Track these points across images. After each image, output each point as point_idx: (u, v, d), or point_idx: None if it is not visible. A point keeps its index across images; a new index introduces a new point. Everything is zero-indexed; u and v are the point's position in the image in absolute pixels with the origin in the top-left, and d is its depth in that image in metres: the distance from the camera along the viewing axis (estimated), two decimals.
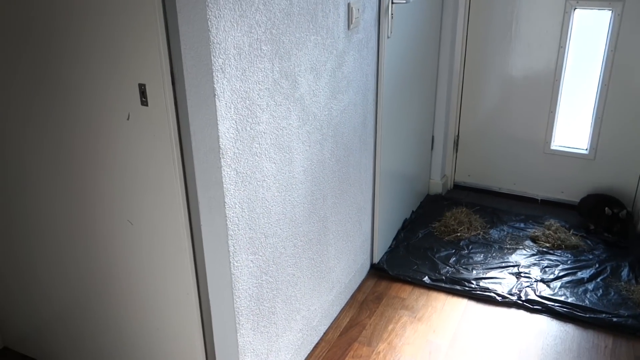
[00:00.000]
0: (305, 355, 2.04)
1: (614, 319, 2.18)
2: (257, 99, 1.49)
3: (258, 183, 1.57)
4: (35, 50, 1.45)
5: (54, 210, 1.67)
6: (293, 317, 1.89)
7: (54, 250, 1.74)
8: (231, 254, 1.50)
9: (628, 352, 2.05)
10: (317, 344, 2.10)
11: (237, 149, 1.45)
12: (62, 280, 1.77)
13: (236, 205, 1.49)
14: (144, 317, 1.67)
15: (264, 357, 1.75)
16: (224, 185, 1.43)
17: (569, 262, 2.55)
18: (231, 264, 1.51)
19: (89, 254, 1.67)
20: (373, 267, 2.56)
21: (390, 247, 2.69)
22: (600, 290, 2.34)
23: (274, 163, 1.62)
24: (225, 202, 1.45)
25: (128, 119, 1.40)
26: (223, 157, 1.41)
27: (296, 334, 1.94)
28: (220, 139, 1.39)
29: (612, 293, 2.33)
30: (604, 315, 2.20)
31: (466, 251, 2.65)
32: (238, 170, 1.47)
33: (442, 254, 2.62)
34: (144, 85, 1.34)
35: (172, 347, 1.67)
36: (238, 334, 1.59)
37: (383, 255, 2.62)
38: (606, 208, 2.69)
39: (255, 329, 1.67)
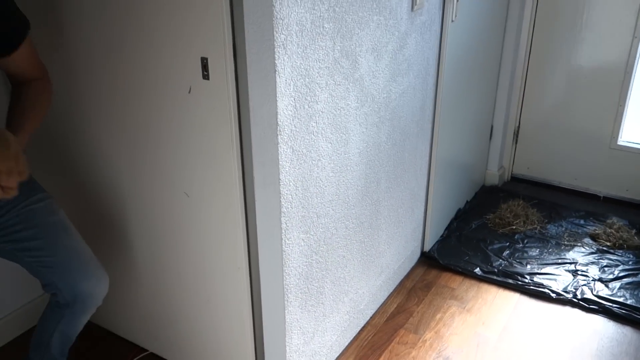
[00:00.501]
0: (351, 338, 2.04)
1: None
2: (317, 77, 1.49)
3: (313, 162, 1.56)
4: (104, 25, 1.49)
5: (116, 179, 1.72)
6: (341, 298, 1.89)
7: (112, 215, 1.79)
8: (283, 231, 1.51)
9: None
10: (363, 327, 2.10)
11: (295, 126, 1.45)
12: (119, 245, 1.82)
13: (290, 183, 1.49)
14: (195, 288, 1.70)
15: (310, 335, 1.76)
16: (280, 162, 1.44)
17: (630, 262, 2.44)
18: (283, 241, 1.52)
19: (146, 222, 1.71)
20: (423, 255, 2.53)
21: (442, 236, 2.65)
22: None
23: (330, 143, 1.61)
24: (280, 179, 1.45)
25: (189, 92, 1.42)
26: (280, 134, 1.41)
27: (343, 315, 1.94)
28: (279, 116, 1.39)
29: None
30: None
31: (521, 245, 2.57)
32: (294, 148, 1.47)
33: (495, 247, 2.56)
34: (206, 59, 1.35)
35: (221, 320, 1.70)
36: (286, 311, 1.60)
37: (434, 244, 2.58)
38: None
39: (303, 308, 1.68)
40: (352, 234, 1.87)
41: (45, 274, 1.48)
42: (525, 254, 2.50)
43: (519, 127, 3.10)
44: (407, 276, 2.39)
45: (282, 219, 1.49)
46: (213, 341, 1.76)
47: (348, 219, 1.82)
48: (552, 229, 2.70)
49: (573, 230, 2.69)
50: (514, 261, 2.46)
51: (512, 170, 3.21)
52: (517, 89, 2.99)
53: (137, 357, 1.95)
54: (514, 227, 2.69)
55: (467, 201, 2.93)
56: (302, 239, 1.60)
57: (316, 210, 1.63)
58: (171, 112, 1.48)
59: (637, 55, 2.68)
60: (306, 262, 1.65)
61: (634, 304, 2.17)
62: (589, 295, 2.24)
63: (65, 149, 1.79)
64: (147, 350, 1.98)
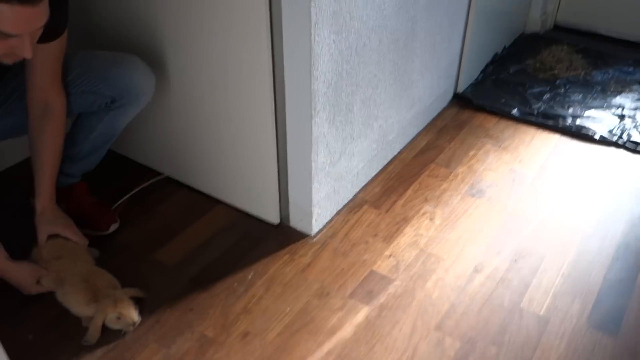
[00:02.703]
0: (378, 169, 1.92)
1: None
2: None
3: None
4: None
5: None
6: (370, 123, 1.75)
7: (133, 31, 1.62)
8: (313, 24, 1.32)
9: None
10: (391, 161, 1.98)
11: None
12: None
13: None
14: (216, 99, 1.56)
15: (336, 156, 1.63)
16: None
17: None
18: (312, 37, 1.34)
19: (167, 34, 1.54)
20: (456, 96, 2.35)
21: (476, 79, 2.46)
22: None
23: None
24: None
25: None
26: None
27: (371, 143, 1.80)
28: None
29: None
30: None
31: (563, 90, 2.38)
32: None
33: (534, 90, 2.37)
34: None
35: (241, 131, 1.57)
36: (313, 121, 1.46)
37: (468, 87, 2.39)
38: None
39: (330, 122, 1.54)
40: (386, 52, 1.68)
41: (94, 89, 1.47)
42: (567, 99, 2.32)
43: None
44: (439, 116, 2.23)
45: (312, 9, 1.30)
46: (233, 157, 1.65)
47: (382, 31, 1.62)
48: (597, 75, 2.49)
49: (621, 77, 2.48)
50: (554, 105, 2.28)
51: (555, 17, 2.93)
52: None
53: (152, 180, 1.86)
54: (556, 72, 2.48)
55: (504, 46, 2.70)
56: (333, 40, 1.42)
57: (349, 9, 1.43)
58: None
59: None
60: (336, 69, 1.48)
61: None
62: (636, 137, 2.07)
63: None
64: (162, 174, 1.88)
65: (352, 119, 1.64)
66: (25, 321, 1.42)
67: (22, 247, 1.54)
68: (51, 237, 1.46)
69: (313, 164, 1.54)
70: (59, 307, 1.39)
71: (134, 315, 1.34)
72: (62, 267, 1.40)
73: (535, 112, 2.22)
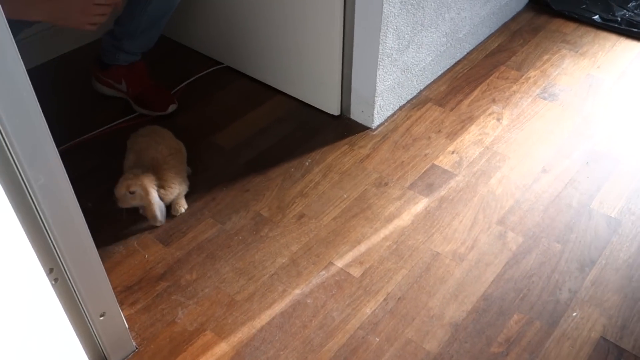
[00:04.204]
0: (446, 67, 1.82)
1: None
2: None
3: None
4: None
5: None
6: (442, 13, 1.64)
7: None
8: None
9: None
10: (460, 60, 1.87)
11: None
12: None
13: None
14: None
15: (404, 43, 1.54)
16: None
17: None
18: None
19: None
20: (533, 0, 2.19)
21: None
22: None
23: None
24: None
25: None
26: None
27: (441, 36, 1.70)
28: None
29: None
30: None
31: None
32: None
33: None
34: None
35: (309, 3, 1.49)
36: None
37: None
38: None
39: (402, 3, 1.44)
40: None
41: None
42: None
43: None
44: (513, 19, 2.09)
45: None
46: (295, 43, 1.58)
47: None
48: None
49: None
50: None
51: None
52: None
53: (212, 69, 1.83)
54: None
55: None
56: None
57: None
58: None
59: None
60: None
61: None
62: None
63: None
64: (222, 64, 1.84)
65: (424, 4, 1.54)
66: (84, 192, 1.43)
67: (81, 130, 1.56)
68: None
69: (380, 47, 1.46)
70: (111, 182, 1.40)
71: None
72: (144, 145, 1.37)
73: (619, 19, 2.05)
